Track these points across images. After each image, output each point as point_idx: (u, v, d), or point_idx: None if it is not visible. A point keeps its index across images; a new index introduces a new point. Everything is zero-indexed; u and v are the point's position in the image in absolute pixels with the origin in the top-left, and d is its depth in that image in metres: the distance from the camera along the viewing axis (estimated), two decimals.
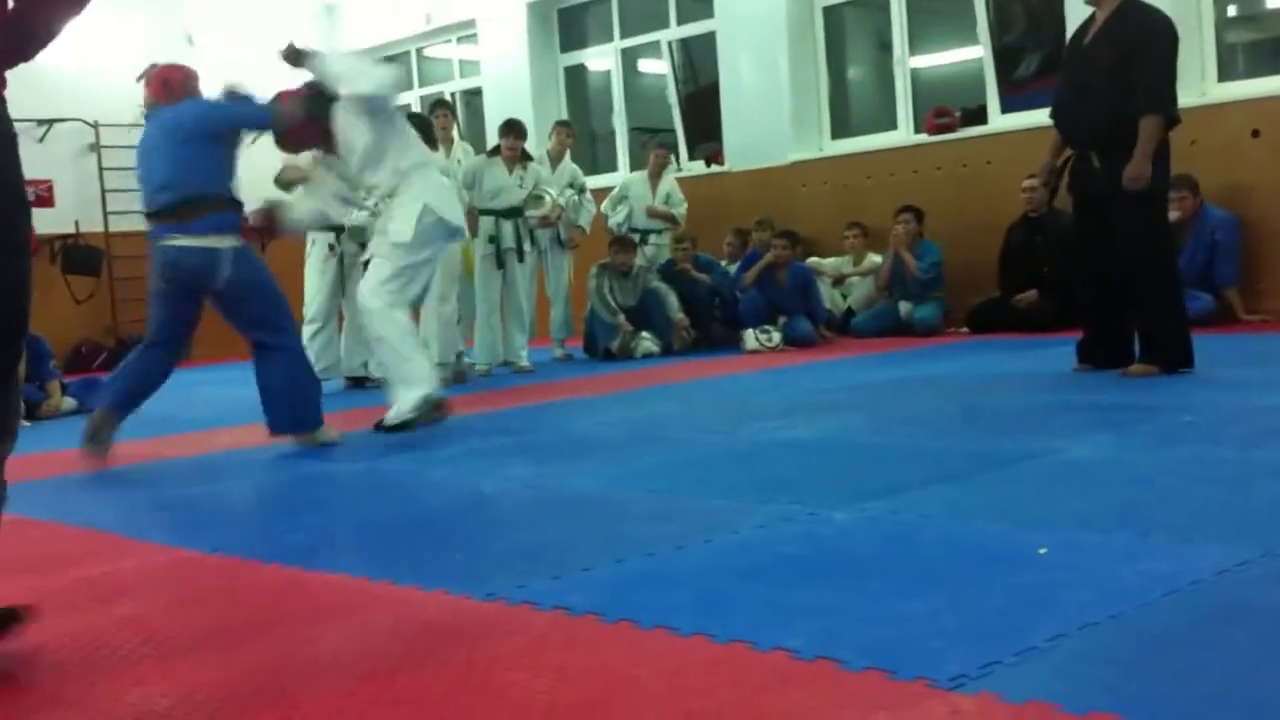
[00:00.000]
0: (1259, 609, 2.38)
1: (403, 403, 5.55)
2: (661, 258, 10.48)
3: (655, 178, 10.90)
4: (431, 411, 5.61)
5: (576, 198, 9.96)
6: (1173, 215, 8.42)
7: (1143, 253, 5.97)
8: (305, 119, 5.59)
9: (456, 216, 6.00)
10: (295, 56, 5.64)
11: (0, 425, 2.05)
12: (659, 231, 10.81)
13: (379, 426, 5.66)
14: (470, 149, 9.88)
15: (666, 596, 2.70)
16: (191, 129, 5.40)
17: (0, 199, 1.96)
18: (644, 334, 9.72)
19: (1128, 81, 5.87)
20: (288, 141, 5.92)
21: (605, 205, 10.87)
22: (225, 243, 5.32)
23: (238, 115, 5.53)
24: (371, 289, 5.73)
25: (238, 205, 5.45)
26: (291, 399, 5.46)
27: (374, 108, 5.64)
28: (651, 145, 12.72)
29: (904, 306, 9.84)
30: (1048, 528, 3.06)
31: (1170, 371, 5.91)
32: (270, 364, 5.49)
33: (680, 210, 10.81)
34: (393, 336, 5.66)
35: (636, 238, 10.79)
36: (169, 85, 5.54)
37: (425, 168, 5.92)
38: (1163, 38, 5.98)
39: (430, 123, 8.84)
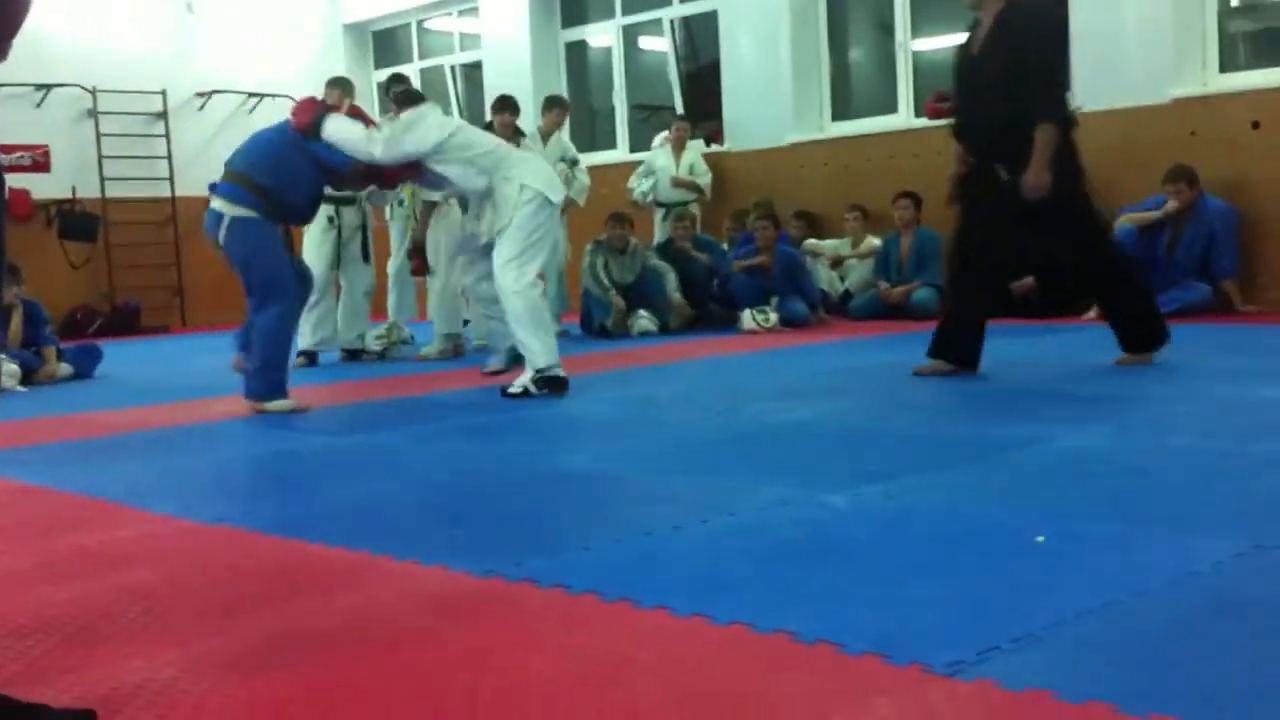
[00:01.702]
0: (1254, 601, 2.40)
1: (523, 376, 6.02)
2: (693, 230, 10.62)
3: (678, 150, 11.21)
4: (545, 385, 5.95)
5: (569, 171, 9.95)
6: (1170, 206, 8.46)
7: (1095, 253, 5.96)
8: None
9: (553, 190, 6.28)
10: (313, 129, 5.96)
11: None
12: (684, 203, 10.98)
13: (503, 393, 5.98)
14: None
15: (665, 577, 2.72)
16: (290, 137, 6.00)
17: None
18: (641, 312, 9.72)
19: (1020, 89, 5.71)
20: (385, 182, 6.49)
21: (632, 179, 11.17)
22: (232, 210, 5.75)
23: (331, 158, 5.98)
24: (501, 268, 6.07)
25: (272, 195, 5.81)
26: (254, 368, 5.87)
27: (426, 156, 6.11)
28: (652, 122, 12.80)
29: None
30: (1044, 515, 3.08)
31: (1155, 349, 5.93)
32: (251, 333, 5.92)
33: (705, 180, 11.07)
34: (522, 313, 6.02)
35: (662, 211, 10.89)
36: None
37: (505, 157, 6.25)
38: (1050, 40, 5.86)
39: (421, 97, 8.82)
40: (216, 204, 5.84)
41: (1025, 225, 5.89)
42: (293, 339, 6.02)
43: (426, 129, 6.12)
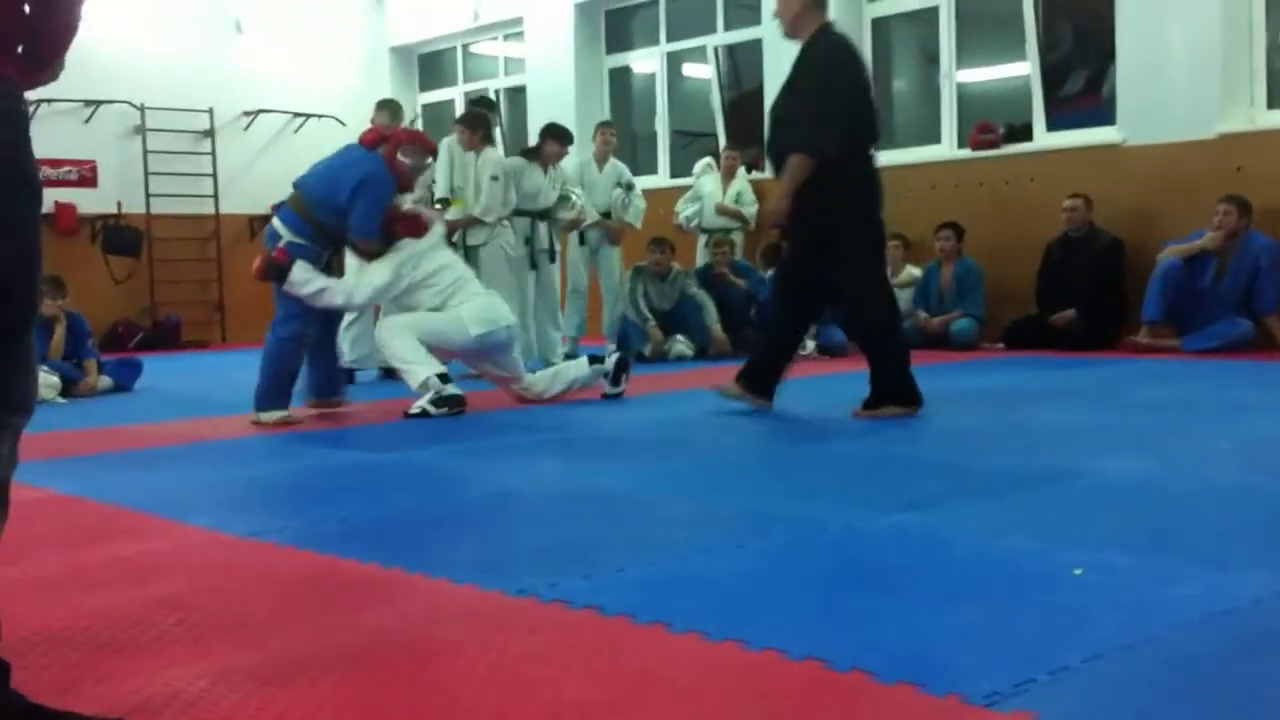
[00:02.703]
0: None
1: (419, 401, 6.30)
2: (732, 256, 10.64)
3: (728, 178, 11.26)
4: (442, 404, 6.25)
5: (625, 195, 10.03)
6: (1211, 232, 8.37)
7: (853, 296, 5.83)
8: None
9: (480, 325, 6.49)
10: (279, 273, 6.19)
11: (9, 401, 2.05)
12: (727, 230, 11.00)
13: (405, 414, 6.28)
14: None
15: (699, 600, 2.70)
16: (346, 165, 6.37)
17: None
18: (678, 336, 9.72)
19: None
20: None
21: (679, 204, 11.20)
22: (287, 235, 6.21)
23: (362, 199, 6.25)
24: (395, 318, 6.51)
25: (322, 229, 6.26)
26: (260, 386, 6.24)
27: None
28: (693, 148, 12.81)
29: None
30: (1083, 547, 3.04)
31: (899, 412, 5.67)
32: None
33: (750, 210, 11.10)
34: (397, 350, 6.39)
35: (705, 237, 10.90)
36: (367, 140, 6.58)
37: (463, 286, 6.58)
38: (825, 72, 5.71)
39: (489, 119, 9.00)
40: (277, 224, 6.30)
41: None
42: (297, 362, 6.33)
43: (376, 276, 6.37)
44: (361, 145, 6.50)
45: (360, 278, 6.39)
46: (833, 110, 5.63)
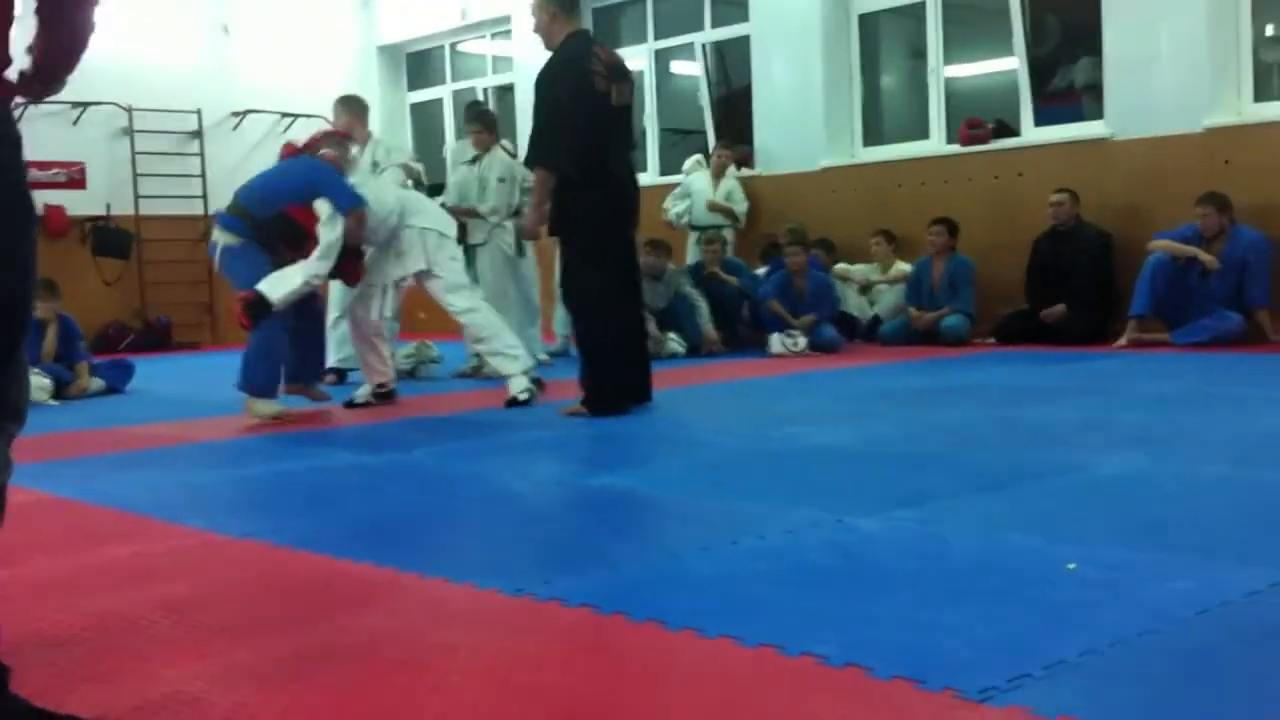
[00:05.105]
0: None
1: (514, 384, 6.51)
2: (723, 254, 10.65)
3: (718, 176, 11.31)
4: (534, 386, 6.57)
5: None
6: (1207, 258, 8.35)
7: (568, 301, 6.21)
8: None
9: (447, 227, 6.98)
10: (261, 306, 6.23)
11: (4, 408, 2.06)
12: (718, 228, 11.02)
13: (507, 403, 6.46)
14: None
15: (694, 598, 2.71)
16: (289, 170, 6.66)
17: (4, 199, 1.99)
18: (670, 335, 9.72)
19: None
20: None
21: (668, 200, 11.15)
22: (223, 239, 6.37)
23: (324, 189, 6.44)
24: (451, 298, 6.74)
25: (261, 226, 6.37)
26: (244, 362, 6.30)
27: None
28: (682, 146, 12.81)
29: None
30: (1077, 543, 3.06)
31: (596, 414, 5.87)
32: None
33: (741, 208, 11.12)
34: (486, 328, 6.68)
35: (695, 234, 10.90)
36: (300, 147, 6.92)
37: (407, 207, 6.89)
38: (547, 83, 5.93)
39: (493, 115, 9.05)
40: (214, 234, 6.44)
41: None
42: (284, 353, 6.41)
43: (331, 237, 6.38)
44: (286, 159, 6.85)
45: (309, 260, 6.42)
46: (557, 128, 5.85)
